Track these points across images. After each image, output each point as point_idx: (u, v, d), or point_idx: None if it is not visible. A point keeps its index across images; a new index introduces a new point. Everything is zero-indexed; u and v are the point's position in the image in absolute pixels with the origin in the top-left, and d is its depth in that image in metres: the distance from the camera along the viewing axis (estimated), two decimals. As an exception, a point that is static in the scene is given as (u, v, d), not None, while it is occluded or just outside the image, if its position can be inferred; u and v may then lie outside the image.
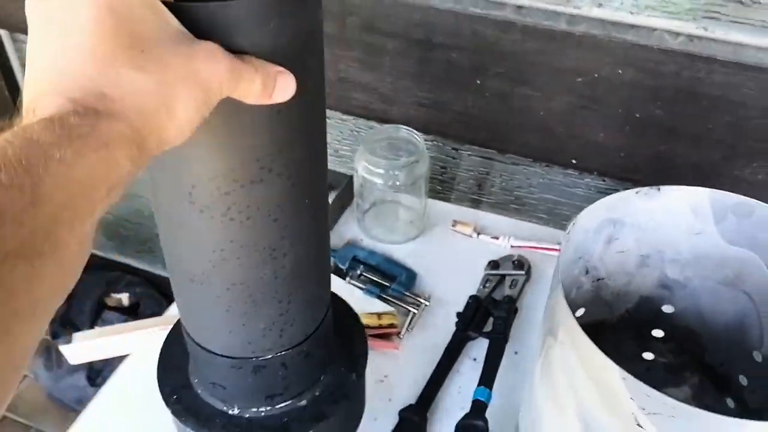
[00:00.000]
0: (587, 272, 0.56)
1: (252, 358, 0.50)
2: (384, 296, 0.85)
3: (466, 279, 0.88)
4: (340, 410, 0.55)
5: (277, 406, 0.53)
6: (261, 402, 0.53)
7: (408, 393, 0.75)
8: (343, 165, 1.14)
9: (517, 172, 1.05)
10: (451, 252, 0.93)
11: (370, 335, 0.80)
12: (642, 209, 0.53)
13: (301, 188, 0.43)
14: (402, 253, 0.93)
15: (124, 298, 1.47)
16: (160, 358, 0.58)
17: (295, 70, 0.37)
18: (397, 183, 0.88)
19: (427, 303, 0.85)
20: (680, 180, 0.60)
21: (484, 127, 0.99)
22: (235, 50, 0.35)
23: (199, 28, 0.33)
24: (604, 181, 0.99)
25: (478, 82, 0.94)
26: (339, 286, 0.85)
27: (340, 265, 0.88)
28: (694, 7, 0.79)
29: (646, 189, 0.52)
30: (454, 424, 0.70)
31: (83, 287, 1.51)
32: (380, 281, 0.86)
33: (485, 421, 0.68)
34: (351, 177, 0.96)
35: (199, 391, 0.55)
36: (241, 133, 0.39)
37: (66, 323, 1.46)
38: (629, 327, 0.62)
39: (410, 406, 0.72)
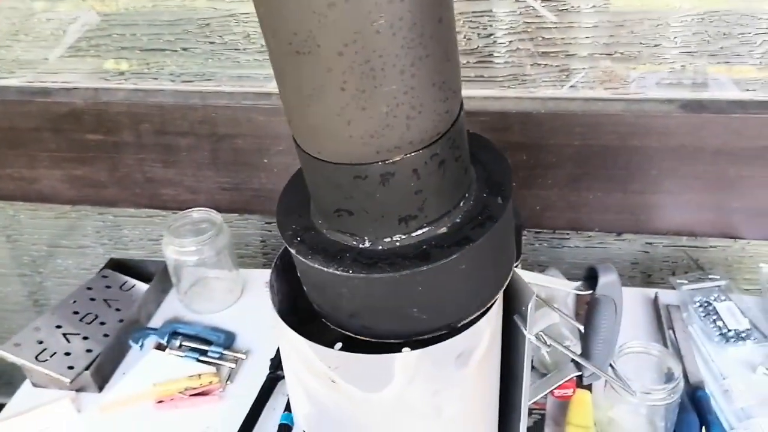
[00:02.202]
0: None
1: (377, 162, 0.42)
2: (203, 359, 0.94)
3: (277, 329, 0.99)
4: (488, 234, 0.47)
5: (414, 234, 0.46)
6: (394, 227, 0.45)
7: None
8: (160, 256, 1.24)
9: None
10: (266, 309, 1.05)
11: (192, 394, 0.89)
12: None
13: None
14: (223, 319, 1.03)
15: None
16: (279, 204, 0.53)
17: None
18: (204, 257, 1.00)
19: (244, 357, 0.95)
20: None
21: (281, 198, 1.13)
22: None
23: None
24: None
25: (265, 161, 1.09)
26: (159, 358, 0.94)
27: (161, 341, 0.97)
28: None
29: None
30: (267, 451, 0.80)
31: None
32: (198, 346, 0.96)
33: (290, 440, 0.79)
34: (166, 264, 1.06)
35: (324, 231, 0.49)
36: None
37: None
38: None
39: (228, 444, 0.81)
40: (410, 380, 0.52)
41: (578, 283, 0.69)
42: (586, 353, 0.71)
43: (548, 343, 0.62)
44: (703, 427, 0.78)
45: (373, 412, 0.54)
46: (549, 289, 1.02)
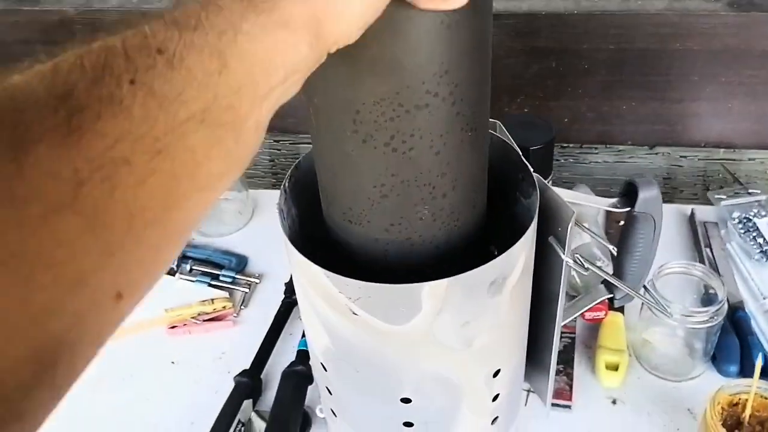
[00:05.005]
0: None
1: None
2: (215, 283, 0.90)
3: (291, 251, 0.95)
4: None
5: None
6: None
7: (245, 363, 0.80)
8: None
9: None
10: (278, 230, 1.00)
11: (206, 320, 0.86)
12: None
13: (465, 117, 0.42)
14: (234, 241, 0.99)
15: None
16: None
17: None
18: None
19: (258, 281, 0.91)
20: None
21: (291, 114, 1.06)
22: None
23: None
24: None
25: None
26: (170, 283, 0.91)
27: (170, 265, 0.93)
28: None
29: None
30: (285, 376, 0.76)
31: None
32: (210, 271, 0.92)
33: (308, 366, 0.75)
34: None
35: None
36: (409, 50, 0.37)
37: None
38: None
39: (244, 370, 0.78)
40: (439, 311, 0.47)
41: (615, 200, 0.63)
42: (619, 273, 0.66)
43: (586, 267, 0.56)
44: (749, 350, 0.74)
45: (397, 345, 0.50)
46: (578, 207, 0.96)
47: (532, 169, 0.55)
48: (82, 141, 0.22)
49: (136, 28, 0.25)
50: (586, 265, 0.56)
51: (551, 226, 0.54)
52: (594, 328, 0.80)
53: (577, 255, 0.56)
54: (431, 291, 0.46)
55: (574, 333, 0.80)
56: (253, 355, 0.80)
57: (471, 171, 0.46)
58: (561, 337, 0.79)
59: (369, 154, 0.42)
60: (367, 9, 0.33)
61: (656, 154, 1.06)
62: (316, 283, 0.49)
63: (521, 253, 0.50)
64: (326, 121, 0.43)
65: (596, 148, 1.06)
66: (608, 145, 1.05)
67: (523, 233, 0.49)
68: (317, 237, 0.52)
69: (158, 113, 0.24)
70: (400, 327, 0.48)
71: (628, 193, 0.61)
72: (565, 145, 1.07)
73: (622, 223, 0.67)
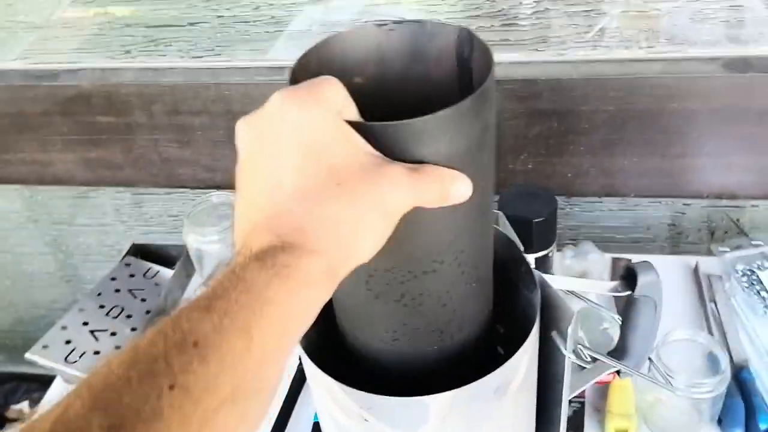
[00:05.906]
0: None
1: None
2: (232, 349, 0.93)
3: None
4: None
5: None
6: None
7: (265, 430, 0.83)
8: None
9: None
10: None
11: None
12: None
13: (470, 274, 0.45)
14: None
15: (24, 407, 1.48)
16: None
17: (469, 170, 0.38)
18: (227, 245, 0.97)
19: (274, 344, 0.94)
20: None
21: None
22: (413, 160, 0.37)
23: (383, 143, 0.36)
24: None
25: (283, 137, 1.05)
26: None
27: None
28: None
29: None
30: (302, 448, 0.79)
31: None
32: (227, 336, 0.95)
33: (324, 438, 0.78)
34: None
35: None
36: (417, 233, 0.41)
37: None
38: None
39: (263, 441, 0.81)
40: (445, 417, 0.50)
41: (615, 284, 0.65)
42: (623, 349, 0.68)
43: (588, 359, 0.58)
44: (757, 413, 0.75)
45: (408, 447, 0.52)
46: (585, 263, 0.98)
47: (533, 266, 0.57)
48: None
49: (177, 322, 0.27)
50: (589, 355, 0.58)
51: (553, 320, 0.56)
52: (603, 390, 0.82)
53: (580, 347, 0.58)
54: (437, 402, 0.48)
55: (584, 397, 0.82)
56: (271, 424, 0.83)
57: (477, 313, 0.50)
58: (570, 402, 0.81)
59: (381, 307, 0.45)
60: (379, 241, 0.35)
61: (659, 202, 1.08)
62: (328, 388, 0.52)
63: (525, 355, 0.52)
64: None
65: (601, 198, 1.09)
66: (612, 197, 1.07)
67: (526, 321, 0.52)
68: (329, 336, 0.55)
69: (193, 411, 0.25)
70: (410, 432, 0.50)
71: (628, 277, 0.63)
72: (569, 197, 1.09)
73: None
